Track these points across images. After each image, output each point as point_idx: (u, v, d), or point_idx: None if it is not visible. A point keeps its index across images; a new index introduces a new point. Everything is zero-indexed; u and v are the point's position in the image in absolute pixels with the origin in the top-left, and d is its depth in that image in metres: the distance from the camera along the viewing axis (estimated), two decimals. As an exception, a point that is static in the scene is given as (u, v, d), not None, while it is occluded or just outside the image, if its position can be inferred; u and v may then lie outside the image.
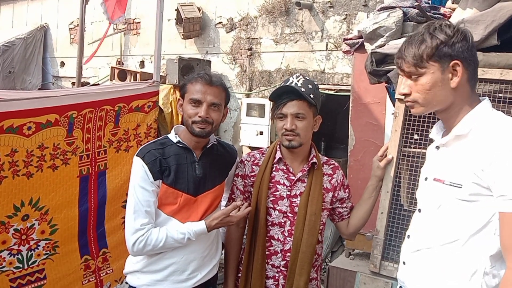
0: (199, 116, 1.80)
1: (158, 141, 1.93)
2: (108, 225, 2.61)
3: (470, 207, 1.31)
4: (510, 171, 1.20)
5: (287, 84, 1.85)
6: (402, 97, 1.97)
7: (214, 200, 1.94)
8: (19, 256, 2.22)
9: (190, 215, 1.87)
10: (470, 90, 1.37)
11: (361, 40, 2.68)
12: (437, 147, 1.51)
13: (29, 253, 2.25)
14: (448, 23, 1.36)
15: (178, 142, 1.89)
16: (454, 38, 1.31)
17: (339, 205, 1.99)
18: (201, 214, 1.88)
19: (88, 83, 7.71)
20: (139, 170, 1.82)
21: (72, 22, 8.37)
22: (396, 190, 1.97)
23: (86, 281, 2.55)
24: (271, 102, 1.91)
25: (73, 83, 7.76)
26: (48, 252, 2.33)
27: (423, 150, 1.97)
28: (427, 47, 1.32)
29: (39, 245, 2.29)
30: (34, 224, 2.23)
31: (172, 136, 1.92)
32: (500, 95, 1.86)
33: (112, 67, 6.83)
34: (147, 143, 1.95)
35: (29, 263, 2.26)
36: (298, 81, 1.85)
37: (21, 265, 2.23)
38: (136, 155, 1.86)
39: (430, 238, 1.43)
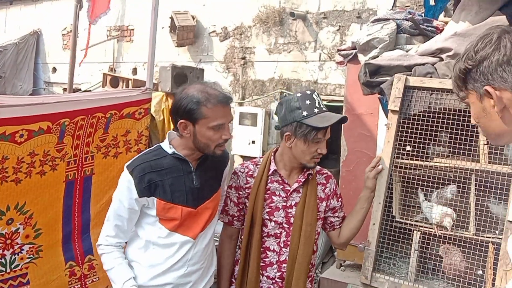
0: (225, 139, 1.76)
1: (152, 152, 1.83)
2: (94, 231, 2.58)
3: None
4: None
5: (316, 105, 1.82)
6: (396, 108, 1.98)
7: (214, 208, 1.91)
8: (2, 260, 2.19)
9: (191, 227, 1.82)
10: None
11: (354, 51, 2.69)
12: None
13: (13, 257, 2.23)
14: (483, 35, 1.07)
15: (174, 153, 1.80)
16: (480, 56, 1.03)
17: (331, 214, 1.99)
18: (203, 225, 1.84)
19: (80, 89, 7.66)
20: (124, 183, 1.75)
21: (65, 28, 8.34)
22: (388, 202, 1.97)
23: (72, 288, 2.51)
24: (300, 123, 1.80)
25: (64, 89, 7.72)
26: (31, 256, 2.30)
27: (416, 162, 1.97)
28: (458, 74, 1.09)
29: (23, 249, 2.27)
30: (18, 228, 2.21)
31: (166, 146, 1.82)
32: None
33: (104, 73, 6.80)
34: (140, 154, 1.86)
35: (12, 266, 2.23)
36: (320, 100, 1.85)
37: (3, 269, 2.20)
38: (126, 167, 1.78)
39: None
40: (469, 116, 1.86)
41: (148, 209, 1.79)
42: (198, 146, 1.77)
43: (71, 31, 7.52)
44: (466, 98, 1.10)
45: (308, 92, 1.85)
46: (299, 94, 1.84)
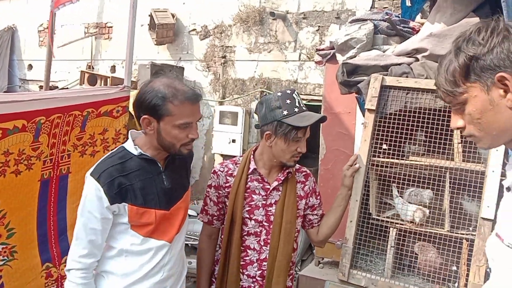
0: (192, 138, 1.66)
1: (116, 155, 1.69)
2: (71, 232, 2.52)
3: None
4: None
5: (297, 104, 1.83)
6: (373, 107, 2.01)
7: (186, 208, 1.86)
8: (-26, 263, 2.12)
9: (166, 231, 1.73)
10: None
11: (332, 51, 2.72)
12: (508, 189, 1.10)
13: (-15, 259, 2.16)
14: (480, 26, 1.01)
15: (141, 154, 1.68)
16: (489, 44, 0.96)
17: (310, 212, 2.00)
18: (178, 227, 1.77)
19: (57, 87, 7.52)
20: (91, 193, 1.60)
21: (42, 24, 8.17)
22: (365, 199, 1.99)
23: (48, 290, 2.46)
24: (280, 122, 1.80)
25: (40, 87, 7.56)
26: (5, 258, 2.24)
27: (392, 160, 2.00)
28: (457, 67, 1.01)
29: None
30: None
31: (131, 147, 1.70)
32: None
33: (82, 71, 6.69)
34: (103, 158, 1.72)
35: (-16, 270, 2.16)
36: (300, 99, 1.87)
37: (-25, 272, 2.13)
38: (90, 175, 1.63)
39: None
40: (444, 115, 1.90)
41: (119, 217, 1.66)
42: (162, 144, 1.67)
43: (47, 27, 7.36)
44: (464, 93, 1.01)
45: (289, 91, 1.86)
46: (279, 93, 1.85)
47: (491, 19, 1.00)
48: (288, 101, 1.82)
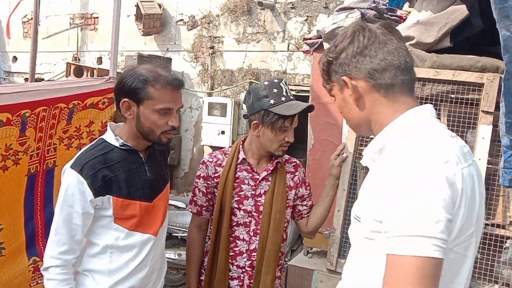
0: (171, 126, 1.61)
1: (96, 147, 1.63)
2: (58, 226, 2.51)
3: (371, 246, 1.03)
4: (402, 201, 0.91)
5: (284, 93, 1.82)
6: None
7: (167, 200, 1.83)
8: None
9: (151, 223, 1.69)
10: (386, 100, 1.08)
11: (320, 40, 2.70)
12: (366, 168, 1.23)
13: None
14: (344, 33, 1.13)
15: (123, 145, 1.63)
16: (338, 49, 1.11)
17: (300, 203, 2.00)
18: (162, 219, 1.75)
19: (42, 79, 7.42)
20: (72, 186, 1.53)
21: (26, 15, 8.03)
22: (353, 189, 2.00)
23: (35, 283, 2.44)
24: (267, 111, 1.79)
25: (26, 79, 7.45)
26: None
27: (379, 149, 2.00)
28: (323, 69, 1.17)
29: None
30: None
31: (111, 138, 1.65)
32: (452, 95, 1.91)
33: (67, 63, 6.60)
34: (83, 151, 1.65)
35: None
36: (289, 89, 1.85)
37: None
38: (71, 167, 1.56)
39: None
40: (431, 103, 1.90)
41: (102, 210, 1.61)
42: (141, 131, 1.62)
43: (31, 18, 7.23)
44: (332, 90, 1.17)
45: (276, 80, 1.85)
46: (266, 83, 1.84)
47: (365, 20, 1.10)
48: (275, 90, 1.81)
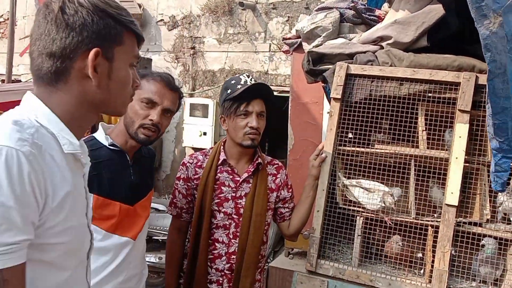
0: (150, 120, 1.61)
1: (86, 143, 1.64)
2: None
3: None
4: None
5: (241, 82, 1.84)
6: (338, 96, 2.00)
7: (148, 207, 1.80)
8: None
9: (131, 227, 1.66)
10: None
11: (299, 40, 2.69)
12: None
13: None
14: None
15: (112, 144, 1.64)
16: None
17: (281, 205, 1.98)
18: (142, 224, 1.72)
19: (20, 81, 7.26)
20: None
21: (2, 15, 7.85)
22: (332, 189, 1.98)
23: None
24: (227, 101, 1.84)
25: (2, 81, 7.27)
26: None
27: (357, 149, 1.99)
28: None
29: None
30: None
31: (101, 137, 1.66)
32: (429, 94, 1.91)
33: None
34: None
35: None
36: (251, 80, 1.86)
37: None
38: None
39: None
40: (409, 103, 1.90)
41: None
42: (125, 122, 1.64)
43: (8, 19, 7.07)
44: None
45: (239, 74, 1.90)
46: (230, 78, 1.92)
47: None
48: (232, 82, 1.86)
